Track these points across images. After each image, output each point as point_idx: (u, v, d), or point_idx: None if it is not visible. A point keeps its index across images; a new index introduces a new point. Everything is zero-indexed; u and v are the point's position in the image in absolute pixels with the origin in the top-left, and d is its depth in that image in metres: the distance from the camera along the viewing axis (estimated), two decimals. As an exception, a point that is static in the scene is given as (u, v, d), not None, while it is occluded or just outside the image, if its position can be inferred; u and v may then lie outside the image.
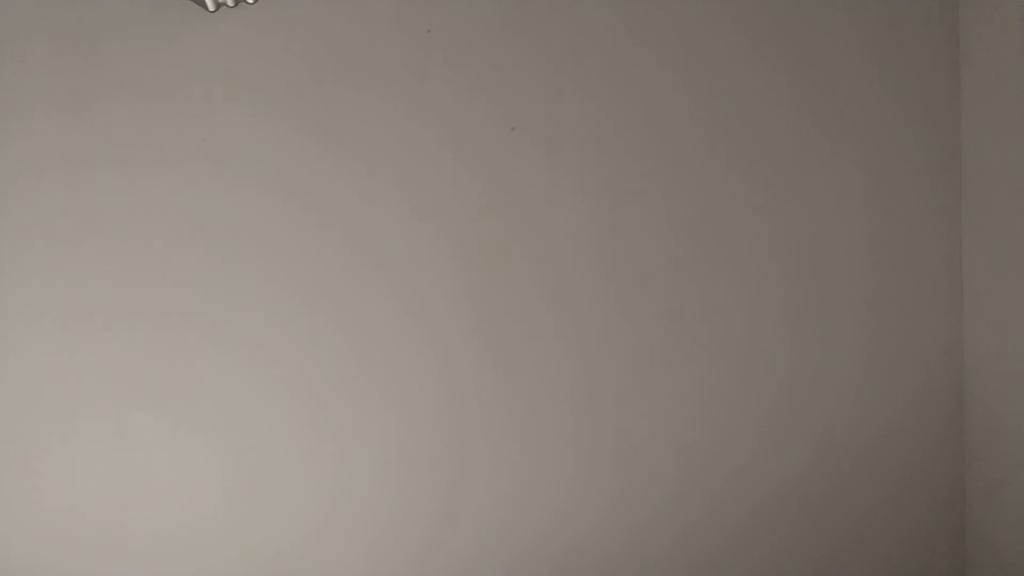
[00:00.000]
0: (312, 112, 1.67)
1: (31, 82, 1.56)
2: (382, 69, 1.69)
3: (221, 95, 1.63)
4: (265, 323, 1.66)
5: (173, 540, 1.63)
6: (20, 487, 1.58)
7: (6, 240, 1.56)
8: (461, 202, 1.73)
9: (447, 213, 1.72)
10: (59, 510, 1.59)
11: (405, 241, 1.71)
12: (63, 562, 1.59)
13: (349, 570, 1.70)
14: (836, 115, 1.87)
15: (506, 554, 1.77)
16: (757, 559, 1.87)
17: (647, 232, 1.80)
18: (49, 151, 1.57)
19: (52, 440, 1.59)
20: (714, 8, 1.82)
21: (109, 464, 1.60)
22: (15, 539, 1.57)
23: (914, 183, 1.91)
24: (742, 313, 1.85)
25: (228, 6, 1.58)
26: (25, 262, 1.57)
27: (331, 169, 1.68)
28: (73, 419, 1.59)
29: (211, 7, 1.57)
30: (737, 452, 1.85)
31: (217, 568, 1.65)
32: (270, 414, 1.66)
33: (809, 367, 1.88)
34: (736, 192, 1.84)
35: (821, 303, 1.88)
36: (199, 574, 1.64)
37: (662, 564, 1.83)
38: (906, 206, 1.91)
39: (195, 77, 1.62)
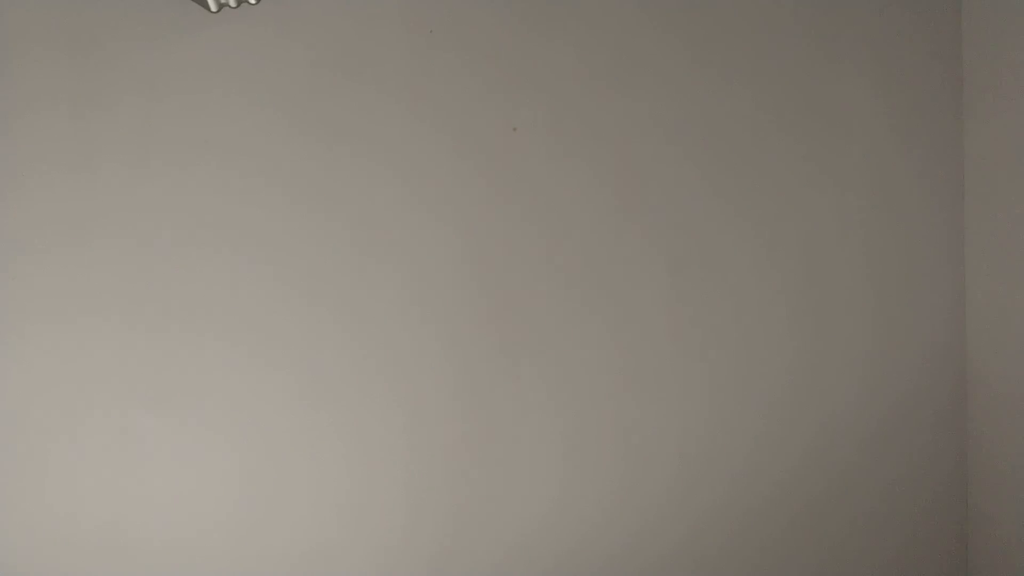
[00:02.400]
0: (315, 111, 1.66)
1: (34, 82, 1.56)
2: (384, 69, 1.69)
3: (224, 95, 1.63)
4: (272, 322, 1.66)
5: (175, 543, 1.63)
6: (22, 489, 1.58)
7: (9, 239, 1.56)
8: (467, 198, 1.73)
9: (453, 210, 1.72)
10: (61, 513, 1.59)
11: (411, 239, 1.71)
12: (65, 565, 1.59)
13: (362, 571, 1.70)
14: (838, 113, 1.87)
15: (515, 552, 1.77)
16: (760, 555, 1.87)
17: (651, 230, 1.80)
18: (52, 151, 1.57)
19: (55, 442, 1.58)
20: (716, 9, 1.82)
21: (112, 466, 1.60)
22: (16, 541, 1.57)
23: (916, 181, 1.91)
24: (744, 313, 1.85)
25: (230, 7, 1.58)
26: (28, 261, 1.57)
27: (334, 168, 1.67)
28: (77, 420, 1.59)
29: (213, 8, 1.56)
30: (739, 451, 1.85)
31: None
32: (278, 414, 1.66)
33: (811, 365, 1.88)
34: (738, 191, 1.84)
35: (823, 302, 1.88)
36: None
37: (668, 558, 1.83)
38: (908, 204, 1.91)
39: (197, 77, 1.62)
